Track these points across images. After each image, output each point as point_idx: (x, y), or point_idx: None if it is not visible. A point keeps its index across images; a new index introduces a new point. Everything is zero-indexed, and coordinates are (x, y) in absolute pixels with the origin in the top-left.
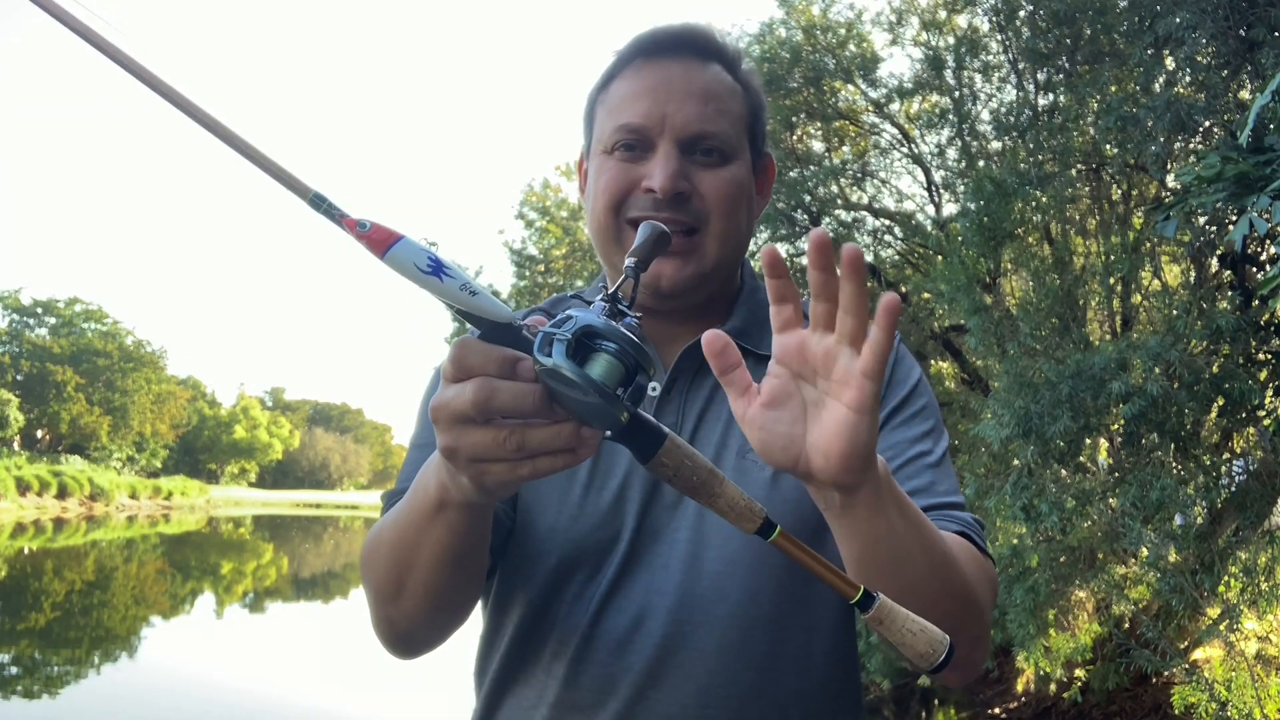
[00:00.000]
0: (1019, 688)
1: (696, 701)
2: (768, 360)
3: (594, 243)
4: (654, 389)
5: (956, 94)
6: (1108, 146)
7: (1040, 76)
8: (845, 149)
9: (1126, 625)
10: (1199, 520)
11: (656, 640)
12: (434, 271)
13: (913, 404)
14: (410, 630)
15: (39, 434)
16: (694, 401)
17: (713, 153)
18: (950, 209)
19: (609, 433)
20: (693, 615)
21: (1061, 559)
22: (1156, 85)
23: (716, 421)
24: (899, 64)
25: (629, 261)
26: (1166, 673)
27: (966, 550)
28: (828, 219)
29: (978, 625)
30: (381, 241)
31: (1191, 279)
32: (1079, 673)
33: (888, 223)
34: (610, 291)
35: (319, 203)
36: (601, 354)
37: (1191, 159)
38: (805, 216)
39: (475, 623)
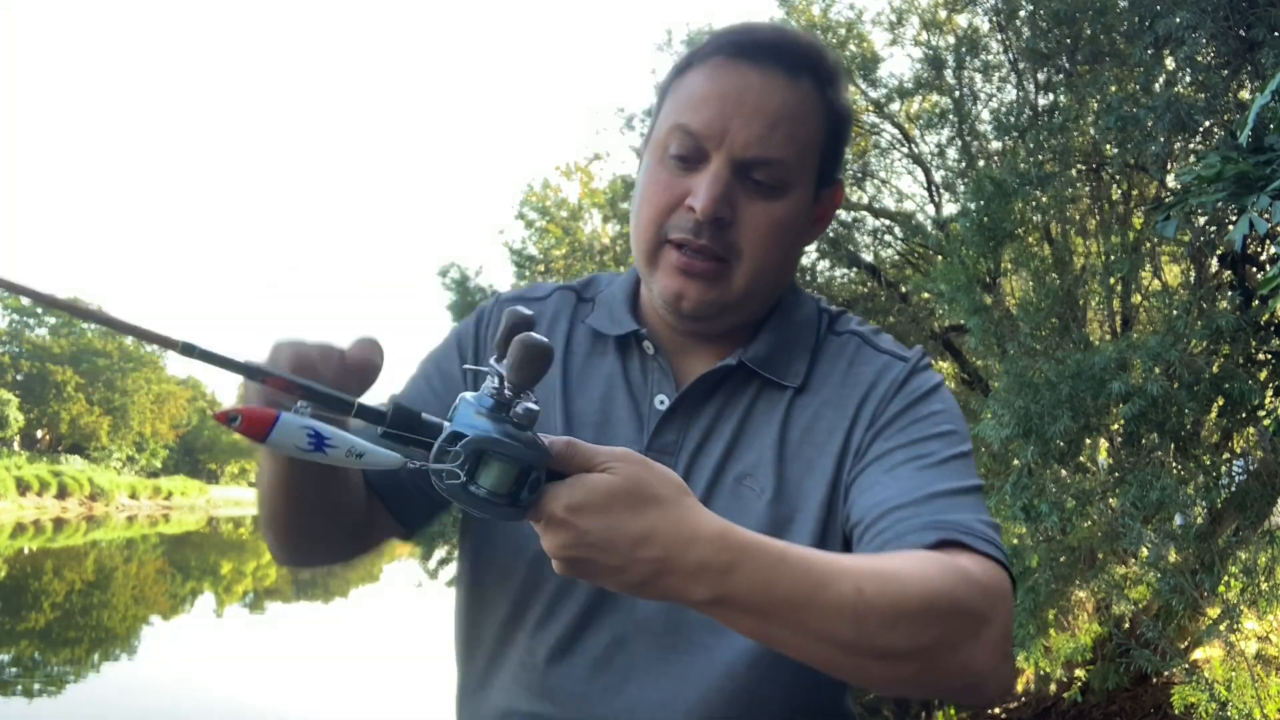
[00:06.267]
0: (1019, 688)
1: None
2: (794, 391)
3: (632, 244)
4: (661, 402)
5: (956, 94)
6: (1108, 146)
7: (1040, 76)
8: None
9: (1126, 625)
10: (1199, 520)
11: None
12: (316, 447)
13: (916, 411)
14: (280, 553)
15: (39, 434)
16: (698, 421)
17: (767, 181)
18: (950, 209)
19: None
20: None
21: (1061, 559)
22: (1156, 85)
23: (718, 443)
24: (899, 64)
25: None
26: (1166, 673)
27: (927, 567)
28: None
29: (953, 650)
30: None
31: (1191, 279)
32: (1079, 673)
33: (888, 223)
34: (497, 387)
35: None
36: (494, 462)
37: (1191, 159)
38: None
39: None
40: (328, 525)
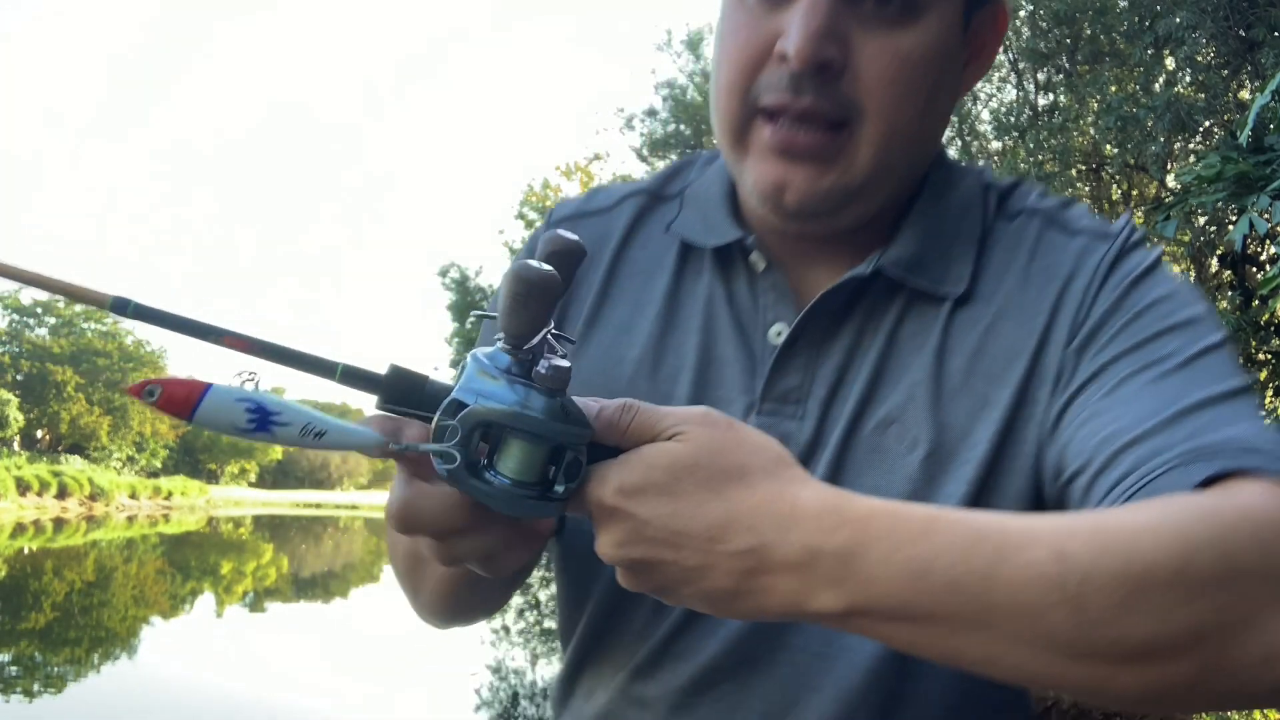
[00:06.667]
0: None
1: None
2: (954, 302)
3: (713, 127)
4: (779, 333)
5: None
6: (1108, 146)
7: (1040, 76)
8: None
9: None
10: None
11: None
12: (259, 426)
13: (1133, 301)
14: (434, 623)
15: (39, 434)
16: (829, 357)
17: (888, 0)
18: None
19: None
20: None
21: None
22: (1156, 85)
23: (854, 383)
24: None
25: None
26: None
27: (1172, 509)
28: None
29: (1244, 629)
30: (183, 399)
31: (1191, 279)
32: None
33: None
34: (514, 342)
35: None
36: (514, 441)
37: (1191, 159)
38: None
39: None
40: (494, 595)
